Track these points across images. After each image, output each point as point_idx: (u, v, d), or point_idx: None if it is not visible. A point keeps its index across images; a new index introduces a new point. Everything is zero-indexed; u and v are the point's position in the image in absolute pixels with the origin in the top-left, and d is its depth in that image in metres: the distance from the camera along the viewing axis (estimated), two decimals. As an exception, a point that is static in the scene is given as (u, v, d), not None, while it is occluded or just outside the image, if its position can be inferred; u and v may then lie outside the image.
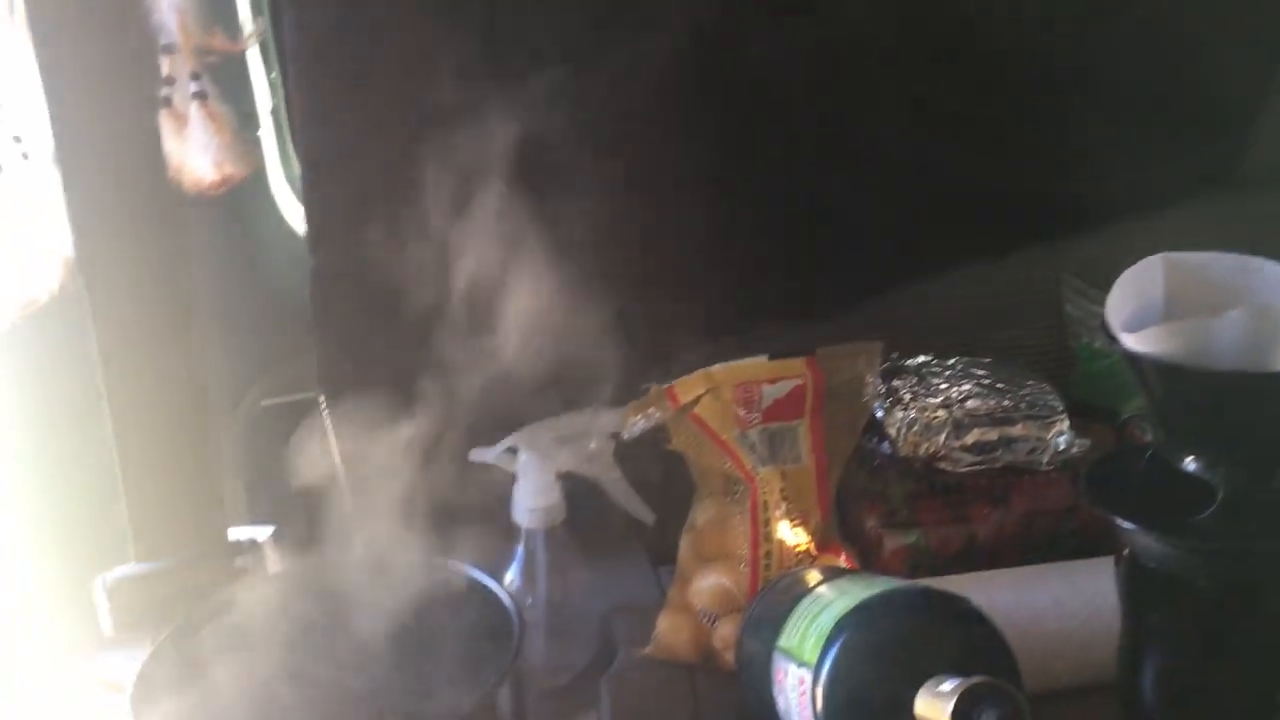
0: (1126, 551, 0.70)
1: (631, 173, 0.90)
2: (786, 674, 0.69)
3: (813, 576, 0.78)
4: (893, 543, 0.92)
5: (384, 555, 0.68)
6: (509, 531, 0.89)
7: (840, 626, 0.65)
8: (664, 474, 0.94)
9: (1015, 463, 0.91)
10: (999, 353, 1.01)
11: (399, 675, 0.64)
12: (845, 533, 0.95)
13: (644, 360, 0.90)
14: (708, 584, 0.88)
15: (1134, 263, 0.72)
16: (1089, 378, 1.03)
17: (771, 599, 0.80)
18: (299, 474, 0.91)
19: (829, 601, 0.69)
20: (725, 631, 0.87)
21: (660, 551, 1.05)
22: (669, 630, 0.88)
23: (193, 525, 0.74)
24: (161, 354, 0.70)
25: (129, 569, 0.73)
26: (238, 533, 0.77)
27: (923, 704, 0.60)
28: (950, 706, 0.57)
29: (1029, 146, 0.98)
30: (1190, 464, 0.67)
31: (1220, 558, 0.66)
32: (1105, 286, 1.06)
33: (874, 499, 0.94)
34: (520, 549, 0.87)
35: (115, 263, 0.69)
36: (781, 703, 0.70)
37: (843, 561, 0.89)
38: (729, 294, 0.94)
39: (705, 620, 0.88)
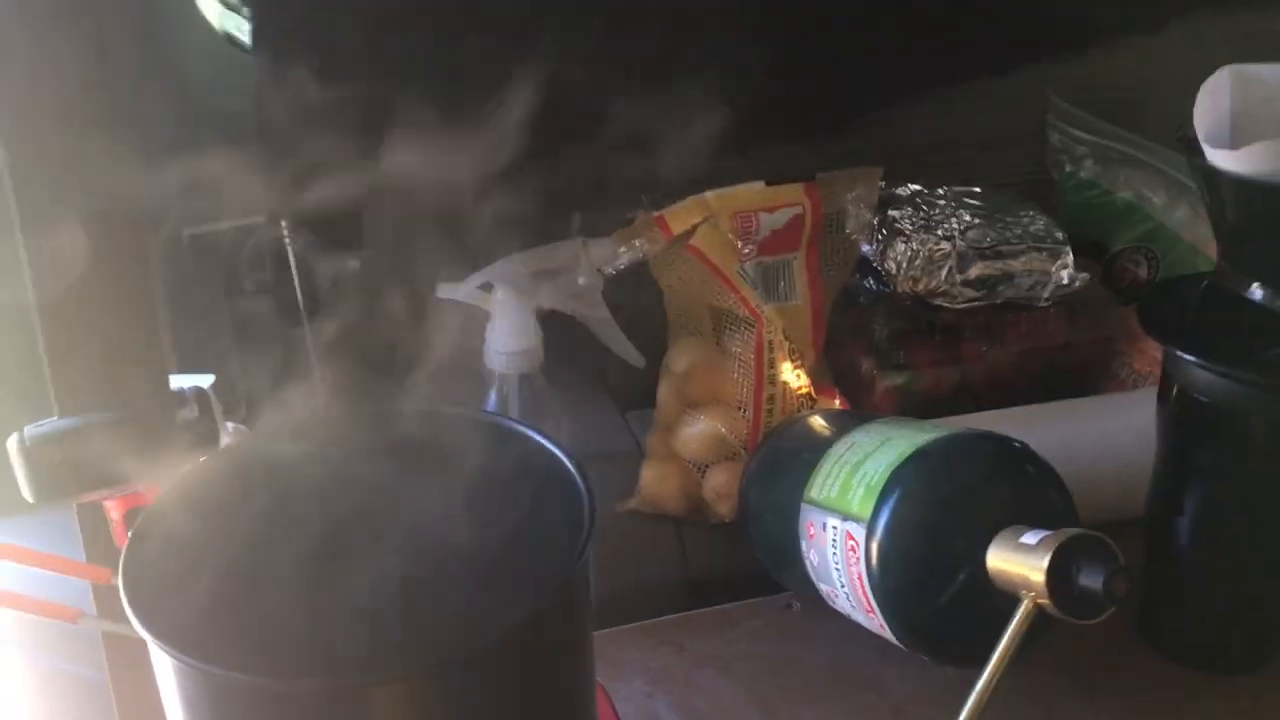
0: (1176, 387, 0.65)
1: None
2: (824, 528, 0.63)
3: (832, 422, 0.72)
4: (884, 384, 0.86)
5: (377, 407, 0.58)
6: (477, 376, 0.79)
7: (896, 477, 0.59)
8: (628, 311, 0.86)
9: (1015, 298, 0.85)
10: (982, 183, 0.95)
11: (429, 559, 0.54)
12: (834, 370, 0.89)
13: (625, 186, 0.81)
14: (696, 431, 0.81)
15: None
16: (1073, 209, 0.98)
17: (782, 446, 0.74)
18: (241, 312, 0.80)
19: (871, 450, 0.62)
20: (717, 481, 0.80)
21: (622, 396, 0.97)
22: (654, 481, 0.81)
23: (128, 373, 0.62)
24: (85, 160, 0.57)
25: (52, 425, 0.61)
26: (177, 381, 0.65)
27: (1000, 558, 0.55)
28: (1045, 561, 0.52)
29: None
30: (1256, 293, 0.62)
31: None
32: (1093, 110, 1.01)
33: (861, 339, 0.88)
34: (493, 396, 0.78)
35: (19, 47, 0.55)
36: (814, 558, 0.64)
37: (837, 405, 0.84)
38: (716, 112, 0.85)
39: (694, 469, 0.81)
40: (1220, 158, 0.58)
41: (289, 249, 0.68)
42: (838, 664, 0.71)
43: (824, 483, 0.64)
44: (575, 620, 0.47)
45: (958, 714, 0.65)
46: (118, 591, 0.49)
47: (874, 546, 0.58)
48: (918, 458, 0.59)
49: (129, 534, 0.48)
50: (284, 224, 0.68)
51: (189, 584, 0.49)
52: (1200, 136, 0.59)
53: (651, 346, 0.86)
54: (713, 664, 0.71)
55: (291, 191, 0.68)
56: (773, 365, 0.77)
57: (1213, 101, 0.61)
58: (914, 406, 0.87)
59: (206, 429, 0.65)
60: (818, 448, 0.67)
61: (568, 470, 0.48)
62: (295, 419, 0.56)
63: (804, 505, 0.65)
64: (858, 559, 0.60)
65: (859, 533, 0.59)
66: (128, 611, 0.44)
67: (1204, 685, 0.68)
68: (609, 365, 0.97)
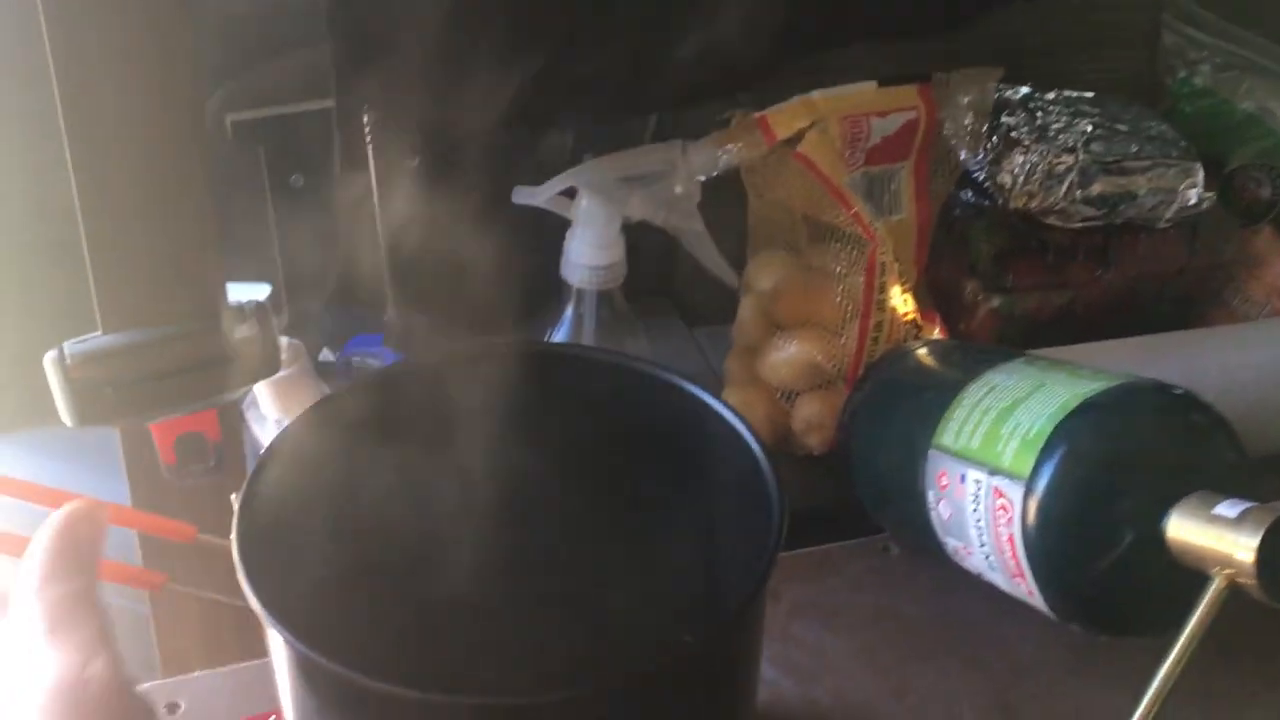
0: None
1: None
2: (963, 480, 0.56)
3: (955, 359, 0.65)
4: (986, 306, 0.79)
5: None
6: (549, 290, 0.72)
7: (1062, 432, 0.52)
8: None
9: (1136, 218, 0.78)
10: (1088, 87, 0.87)
11: (580, 547, 0.48)
12: (931, 290, 0.82)
13: (717, 84, 0.72)
14: (787, 356, 0.74)
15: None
16: (1185, 119, 0.89)
17: (896, 381, 0.67)
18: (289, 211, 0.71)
19: (1020, 397, 0.56)
20: (809, 411, 0.73)
21: (690, 313, 0.90)
22: (739, 409, 0.74)
23: (180, 285, 0.54)
24: (135, 45, 0.48)
25: (96, 341, 0.54)
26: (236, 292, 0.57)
27: (1187, 529, 0.49)
28: (1256, 540, 0.45)
29: None
30: None
31: None
32: (1216, 10, 0.92)
33: (959, 257, 0.81)
34: (569, 313, 0.71)
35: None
36: (945, 511, 0.58)
37: (938, 332, 0.77)
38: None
39: (781, 397, 0.75)
40: None
41: (368, 141, 0.60)
42: (947, 617, 0.65)
43: (960, 429, 0.58)
44: (756, 629, 0.41)
45: (1084, 678, 0.61)
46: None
47: (1034, 507, 0.52)
48: (1086, 410, 0.52)
49: (237, 501, 0.40)
50: (365, 111, 0.59)
51: (303, 557, 0.42)
52: None
53: (729, 259, 0.79)
54: (813, 613, 0.66)
55: (369, 74, 0.60)
56: (883, 290, 0.69)
57: None
58: (1014, 332, 0.80)
59: (266, 348, 0.58)
60: (945, 387, 0.60)
61: (749, 450, 0.41)
62: (418, 358, 0.48)
63: (933, 452, 0.59)
64: (1009, 519, 0.53)
65: (1014, 491, 0.53)
66: (253, 603, 0.37)
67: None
68: (675, 277, 0.90)
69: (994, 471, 0.54)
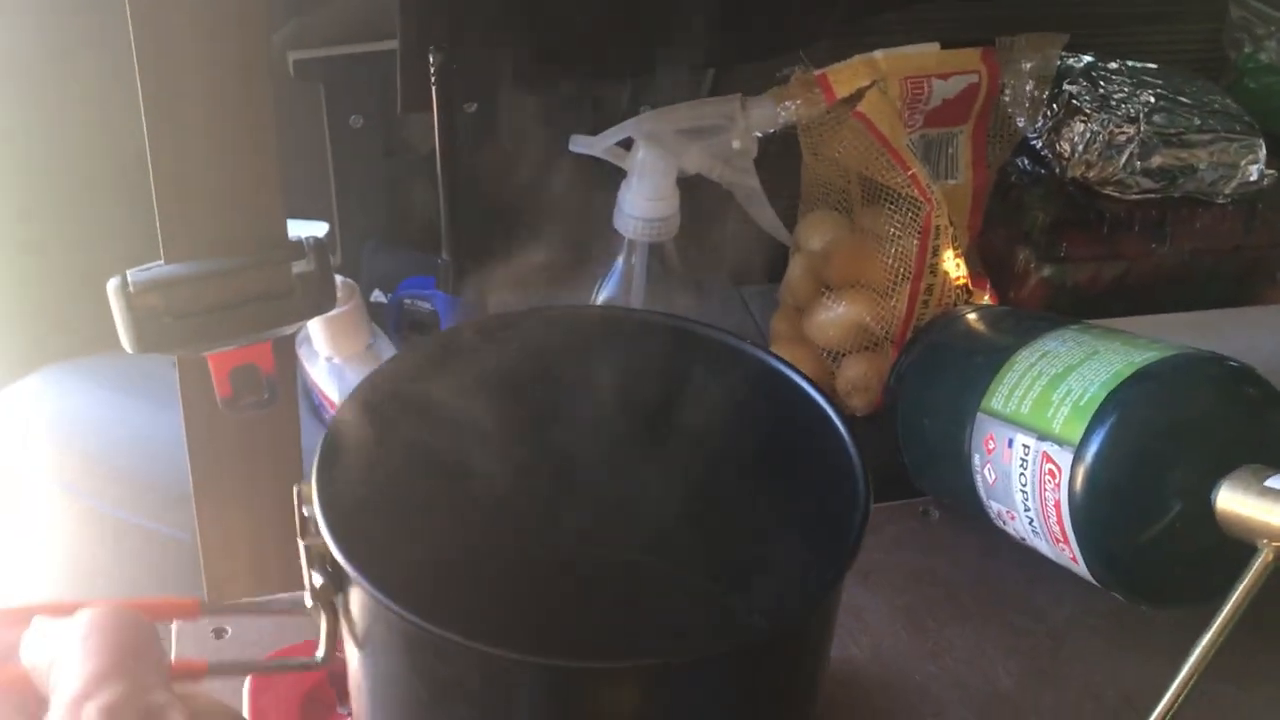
0: None
1: None
2: (1010, 445, 0.56)
3: (1007, 324, 0.65)
4: (1037, 275, 0.79)
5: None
6: (601, 241, 0.72)
7: (1116, 399, 0.52)
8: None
9: (1195, 192, 0.77)
10: (1152, 59, 0.86)
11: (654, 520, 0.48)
12: (983, 256, 0.81)
13: (774, 39, 0.72)
14: (835, 316, 0.74)
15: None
16: (1249, 94, 0.88)
17: (945, 343, 0.67)
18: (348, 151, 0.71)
19: (1074, 363, 0.55)
20: (854, 373, 0.74)
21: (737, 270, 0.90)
22: (785, 367, 0.74)
23: (243, 218, 0.55)
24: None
25: (158, 270, 0.55)
26: (292, 229, 0.58)
27: (1237, 501, 0.49)
28: (1308, 513, 0.45)
29: None
30: None
31: None
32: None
33: (1016, 224, 0.80)
34: (619, 264, 0.71)
35: None
36: (991, 475, 0.58)
37: (988, 299, 0.76)
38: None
39: (828, 357, 0.75)
40: None
41: (433, 82, 0.60)
42: (986, 581, 0.65)
43: (1010, 394, 0.57)
44: (829, 622, 0.41)
45: (1121, 645, 0.61)
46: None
47: (1082, 473, 0.52)
48: (1140, 379, 0.52)
49: (316, 456, 0.40)
50: (430, 51, 0.59)
51: (384, 511, 0.42)
52: None
53: (781, 217, 0.78)
54: (851, 572, 0.66)
55: (436, 13, 0.60)
56: (936, 253, 0.69)
57: None
58: (1065, 302, 0.79)
59: (323, 285, 0.58)
60: (996, 352, 0.60)
61: (835, 429, 0.41)
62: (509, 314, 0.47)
63: (980, 415, 0.59)
64: (1057, 485, 0.53)
65: (1062, 457, 0.53)
66: (345, 565, 0.37)
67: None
68: (725, 234, 0.89)
69: (1043, 437, 0.54)
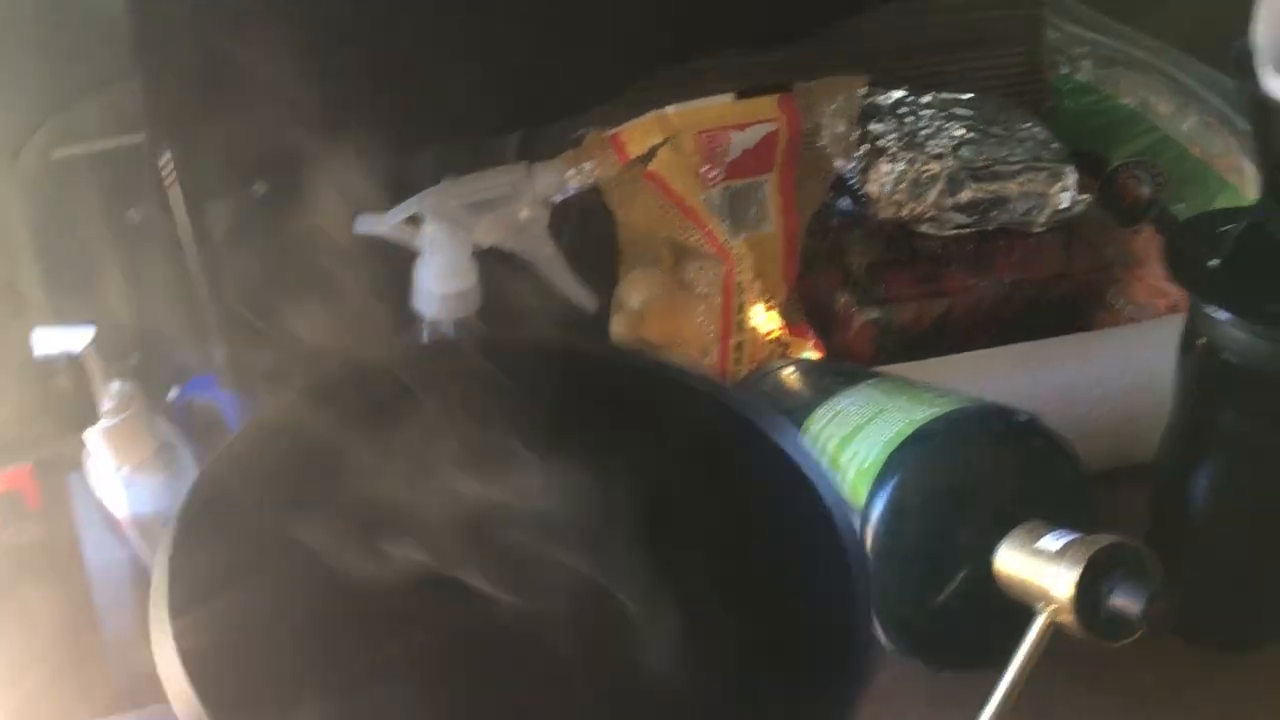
0: (1202, 340, 0.57)
1: None
2: (805, 512, 0.55)
3: (811, 380, 0.64)
4: (860, 319, 0.78)
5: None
6: (399, 322, 0.70)
7: (893, 462, 0.51)
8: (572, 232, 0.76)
9: (1009, 223, 0.77)
10: (970, 85, 0.85)
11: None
12: (804, 302, 0.80)
13: (569, 100, 0.70)
14: (655, 377, 0.72)
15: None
16: (1070, 117, 0.88)
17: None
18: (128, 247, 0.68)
19: (861, 423, 0.54)
20: (678, 434, 0.72)
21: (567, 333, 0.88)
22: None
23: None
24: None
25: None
26: (44, 340, 0.55)
27: (1014, 563, 0.48)
28: (1075, 575, 0.44)
29: None
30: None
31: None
32: (1096, 4, 0.91)
33: (836, 268, 0.79)
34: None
35: None
36: (793, 542, 0.57)
37: (812, 347, 0.75)
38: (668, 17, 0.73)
39: (652, 420, 0.73)
40: (1280, 87, 0.49)
41: (168, 176, 0.57)
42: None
43: (805, 457, 0.56)
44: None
45: (930, 704, 0.59)
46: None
47: (869, 539, 0.51)
48: (917, 440, 0.51)
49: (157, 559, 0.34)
50: (164, 147, 0.57)
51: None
52: (1262, 57, 0.50)
53: (602, 277, 0.77)
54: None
55: (178, 107, 0.58)
56: (741, 309, 0.68)
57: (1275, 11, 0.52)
58: (893, 342, 0.78)
59: (81, 403, 0.55)
60: (796, 411, 0.59)
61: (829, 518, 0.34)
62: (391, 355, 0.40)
63: (782, 480, 0.57)
64: (846, 554, 0.52)
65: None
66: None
67: (1211, 663, 0.62)
68: (551, 297, 0.87)
69: (832, 504, 0.53)
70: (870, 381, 0.59)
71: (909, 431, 0.51)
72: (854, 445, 0.53)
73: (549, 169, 0.65)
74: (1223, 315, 0.55)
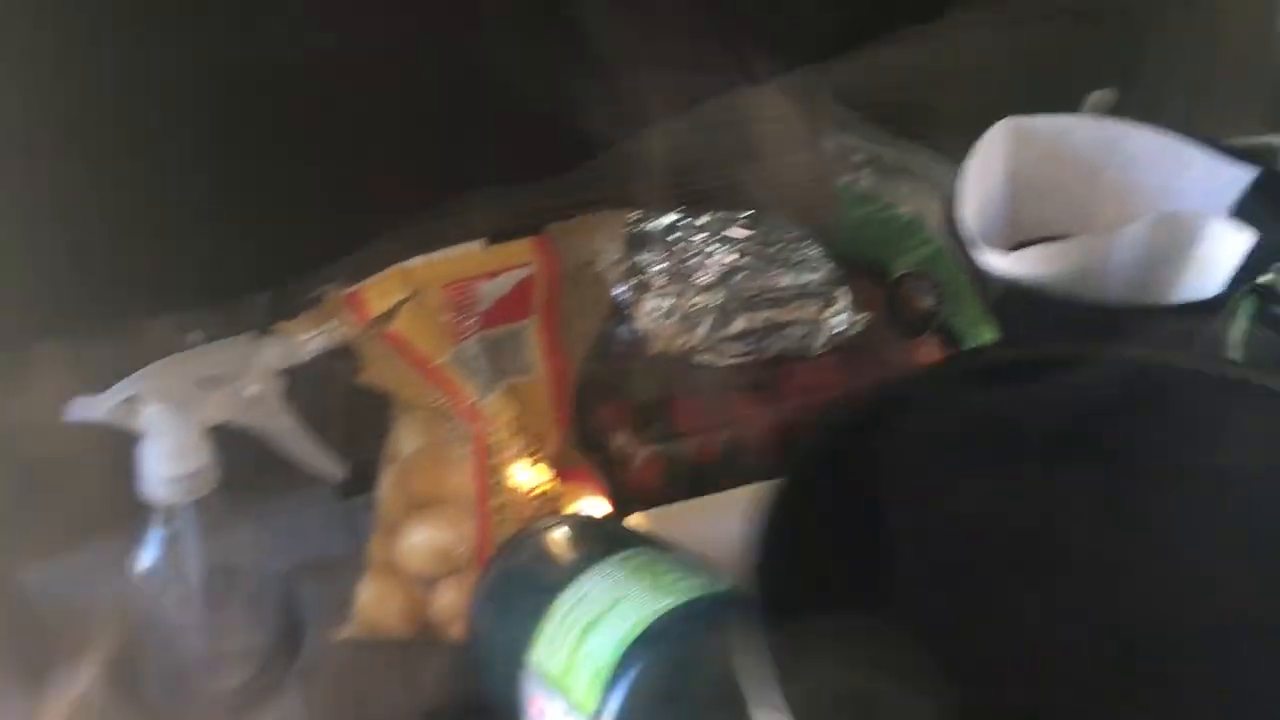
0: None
1: None
2: (544, 714, 0.51)
3: (567, 550, 0.60)
4: (644, 454, 0.75)
5: None
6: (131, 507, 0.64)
7: (623, 667, 0.47)
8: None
9: (787, 351, 0.75)
10: (753, 198, 0.84)
11: None
12: (585, 440, 0.77)
13: (306, 257, 0.67)
14: (420, 540, 0.68)
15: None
16: (852, 225, 0.87)
17: (513, 571, 0.61)
18: None
19: (600, 612, 0.51)
20: (447, 600, 0.68)
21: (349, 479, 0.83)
22: (374, 602, 0.68)
23: None
24: None
25: None
26: None
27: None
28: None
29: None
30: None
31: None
32: (868, 112, 0.91)
33: (618, 399, 0.76)
34: (159, 533, 0.63)
35: None
36: (540, 740, 0.53)
37: (590, 492, 0.72)
38: (417, 161, 0.70)
39: (420, 587, 0.69)
40: (993, 258, 0.48)
41: None
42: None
43: (549, 647, 0.53)
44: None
45: None
46: None
47: (599, 754, 0.47)
48: (646, 641, 0.48)
49: None
50: None
51: None
52: (970, 220, 0.49)
53: (379, 422, 0.73)
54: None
55: None
56: (497, 471, 0.64)
57: (984, 166, 0.51)
58: (680, 476, 0.76)
59: None
60: (548, 590, 0.55)
61: None
62: None
63: (526, 672, 0.54)
64: (582, 764, 0.48)
65: (582, 733, 0.48)
66: None
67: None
68: (329, 437, 0.83)
69: (570, 708, 0.50)
70: (621, 555, 0.56)
71: (639, 631, 0.48)
72: (590, 642, 0.50)
73: (277, 341, 0.61)
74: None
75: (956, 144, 0.83)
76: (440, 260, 0.65)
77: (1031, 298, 0.46)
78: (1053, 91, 0.84)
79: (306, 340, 0.63)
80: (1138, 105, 0.88)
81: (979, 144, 0.51)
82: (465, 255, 0.65)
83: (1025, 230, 0.52)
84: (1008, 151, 0.51)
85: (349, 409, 0.71)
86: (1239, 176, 0.48)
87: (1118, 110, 0.86)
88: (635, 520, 0.69)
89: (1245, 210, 0.48)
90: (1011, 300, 0.49)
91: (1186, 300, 0.45)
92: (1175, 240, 0.43)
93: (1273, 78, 0.91)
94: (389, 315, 0.63)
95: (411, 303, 0.63)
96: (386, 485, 0.71)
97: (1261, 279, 0.47)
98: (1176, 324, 0.47)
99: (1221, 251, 0.42)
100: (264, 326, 0.64)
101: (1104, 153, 0.51)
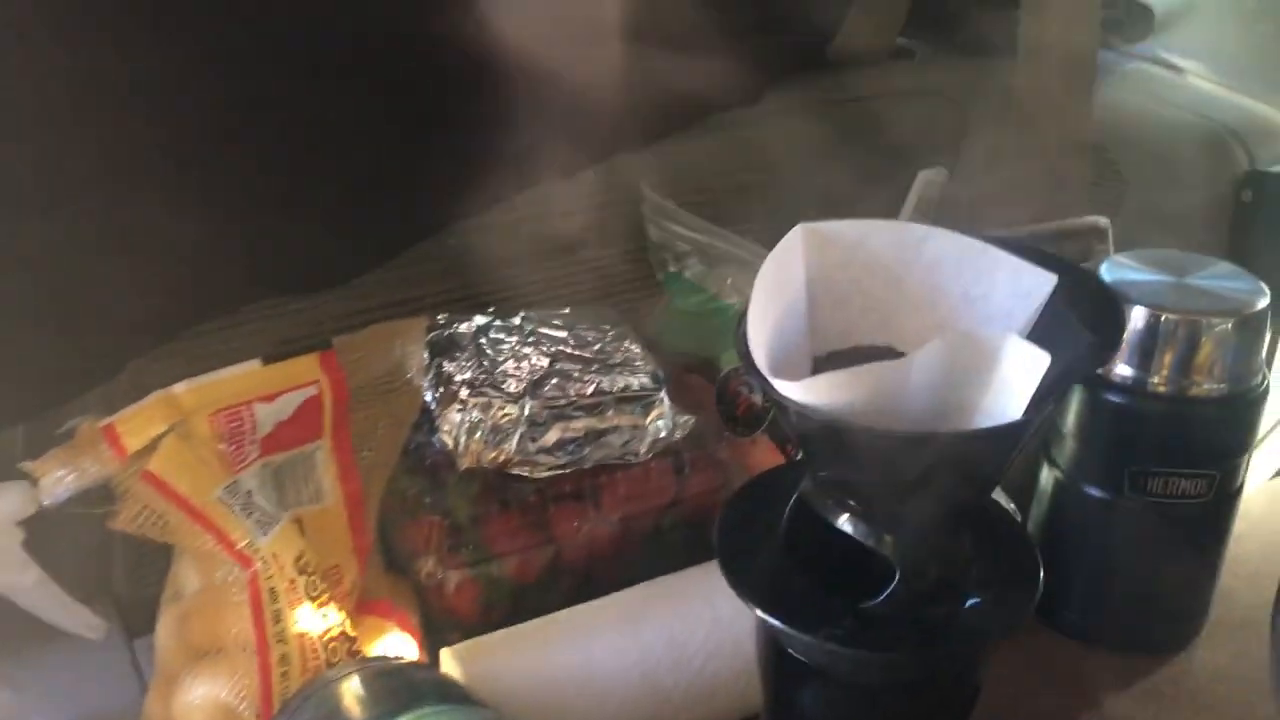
0: (768, 640, 0.52)
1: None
2: None
3: (367, 696, 0.54)
4: (458, 577, 0.69)
5: None
6: None
7: None
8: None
9: (608, 459, 0.70)
10: (582, 278, 0.80)
11: None
12: (393, 561, 0.71)
13: (59, 386, 0.59)
14: (199, 695, 0.60)
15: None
16: (679, 317, 0.83)
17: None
18: None
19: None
20: (233, 762, 0.60)
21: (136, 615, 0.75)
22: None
23: None
24: None
25: None
26: None
27: None
28: None
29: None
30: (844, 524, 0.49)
31: (862, 664, 0.50)
32: (687, 201, 0.87)
33: (430, 517, 0.70)
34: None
35: None
36: None
37: (396, 627, 0.65)
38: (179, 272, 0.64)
39: (200, 745, 0.61)
40: (782, 386, 0.43)
41: None
42: None
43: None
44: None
45: None
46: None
47: None
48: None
49: None
50: None
51: None
52: (759, 345, 0.45)
53: (162, 557, 0.65)
54: None
55: None
56: (279, 619, 0.58)
57: (778, 278, 0.47)
58: (501, 598, 0.70)
59: None
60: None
61: None
62: None
63: None
64: None
65: None
66: None
67: None
68: (113, 570, 0.75)
69: None
70: (414, 715, 0.50)
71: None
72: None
73: (13, 487, 0.54)
74: (779, 625, 0.49)
75: (780, 232, 0.81)
76: (210, 383, 0.58)
77: (829, 426, 0.42)
78: (880, 172, 0.83)
79: (55, 482, 0.56)
80: (963, 183, 0.87)
81: (774, 252, 0.47)
82: (241, 375, 0.59)
83: (829, 341, 0.48)
84: (806, 259, 0.47)
85: (132, 538, 0.63)
86: (1043, 281, 0.45)
87: (946, 188, 0.84)
88: (447, 657, 0.63)
89: (1050, 317, 0.45)
90: (809, 426, 0.45)
91: (989, 425, 0.41)
92: (974, 362, 0.40)
93: (1094, 157, 0.91)
94: (150, 448, 0.56)
95: (175, 433, 0.56)
96: (164, 631, 0.63)
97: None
98: (982, 448, 0.43)
99: (1019, 374, 0.39)
100: (9, 467, 0.57)
101: (906, 257, 0.48)
